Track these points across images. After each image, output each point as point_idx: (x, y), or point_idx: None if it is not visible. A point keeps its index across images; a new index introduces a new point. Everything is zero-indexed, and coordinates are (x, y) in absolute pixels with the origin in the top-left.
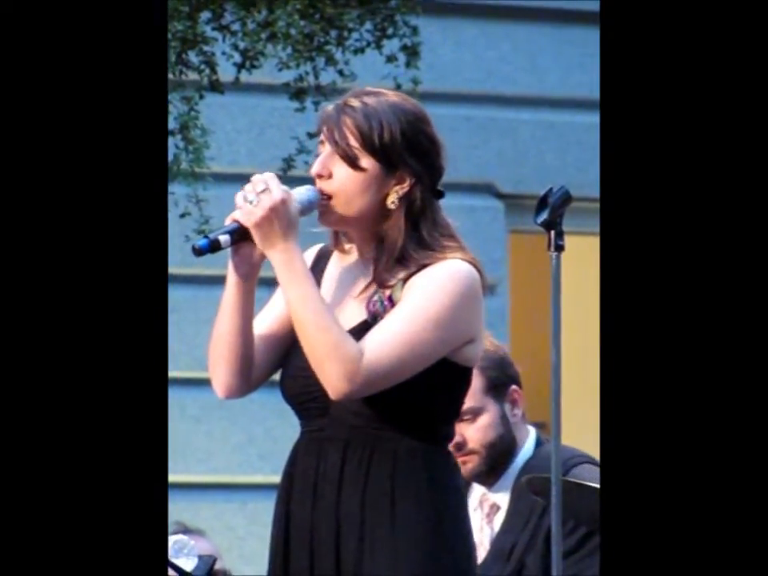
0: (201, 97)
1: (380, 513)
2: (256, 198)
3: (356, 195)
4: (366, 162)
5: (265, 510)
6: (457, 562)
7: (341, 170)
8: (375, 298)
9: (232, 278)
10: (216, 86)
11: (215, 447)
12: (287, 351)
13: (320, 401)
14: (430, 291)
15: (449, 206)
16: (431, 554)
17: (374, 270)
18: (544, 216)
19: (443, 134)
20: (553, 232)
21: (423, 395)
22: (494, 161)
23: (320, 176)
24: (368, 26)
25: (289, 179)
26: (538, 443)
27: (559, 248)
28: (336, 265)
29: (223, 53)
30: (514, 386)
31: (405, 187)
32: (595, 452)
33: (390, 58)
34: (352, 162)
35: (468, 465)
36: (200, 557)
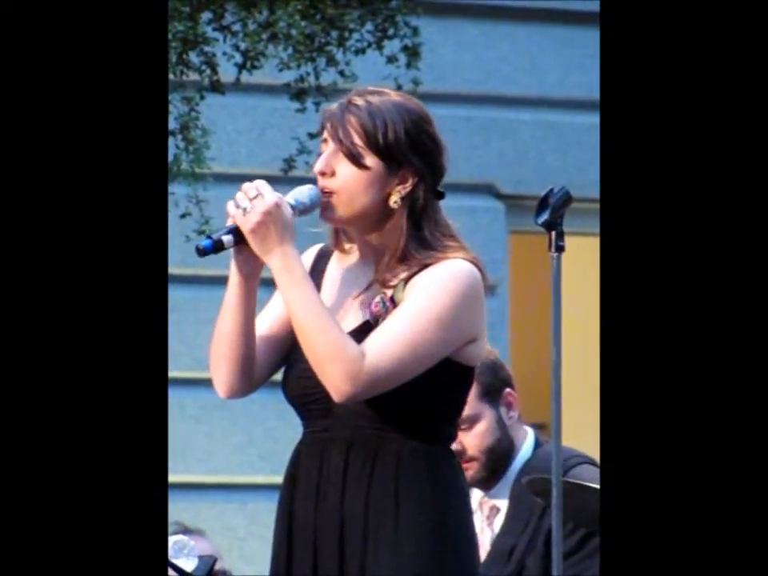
0: (201, 97)
1: (384, 513)
2: (249, 205)
3: (359, 193)
4: (370, 160)
5: (265, 510)
6: (461, 562)
7: (344, 168)
8: (377, 299)
9: (234, 278)
10: (217, 87)
11: (215, 447)
12: (289, 351)
13: (322, 402)
14: (432, 291)
15: (449, 207)
16: (435, 554)
17: (376, 269)
18: (544, 217)
19: (444, 134)
20: (553, 233)
21: (426, 395)
22: (495, 161)
23: (323, 174)
24: (369, 26)
25: (289, 180)
26: (537, 444)
27: (560, 249)
28: (336, 265)
29: (224, 53)
30: (507, 389)
31: (407, 187)
32: (596, 452)
33: (391, 59)
34: (356, 160)
35: (468, 471)
36: (200, 557)
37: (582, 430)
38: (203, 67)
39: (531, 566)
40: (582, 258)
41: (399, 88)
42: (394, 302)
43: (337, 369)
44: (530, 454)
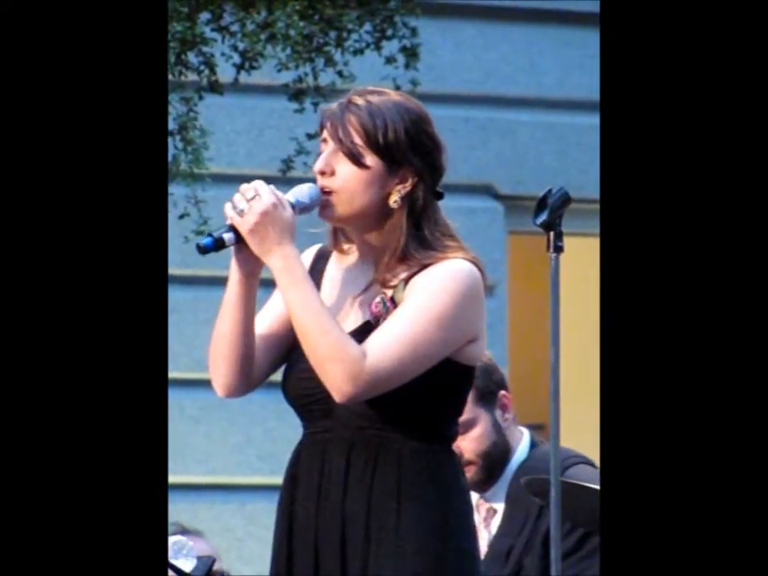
0: (200, 97)
1: (385, 514)
2: (247, 206)
3: (359, 193)
4: (370, 159)
5: (263, 510)
6: (462, 562)
7: (344, 168)
8: (377, 299)
9: (235, 276)
10: (215, 87)
11: (214, 448)
12: (288, 351)
13: (323, 402)
14: (433, 291)
15: (448, 208)
16: (437, 554)
17: (376, 269)
18: (543, 217)
19: (442, 134)
20: (552, 233)
21: (427, 396)
22: (493, 162)
23: (323, 173)
24: (367, 27)
25: (288, 180)
26: (532, 445)
27: (558, 249)
28: (335, 265)
29: (222, 54)
30: (502, 392)
31: (407, 186)
32: (594, 453)
33: (389, 59)
34: (356, 159)
35: (466, 475)
36: (199, 558)
37: (580, 431)
38: (201, 67)
39: (529, 567)
40: (581, 259)
41: (398, 88)
42: (394, 302)
43: (338, 369)
44: (525, 455)
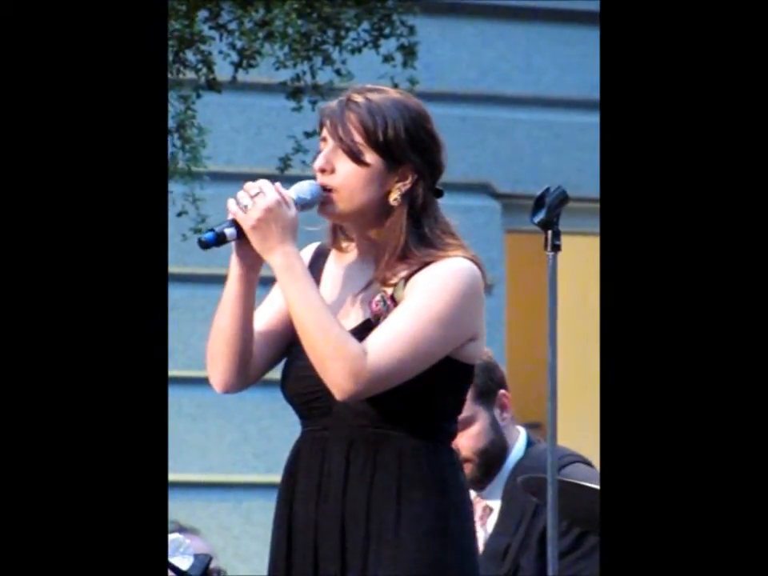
0: (198, 96)
1: (385, 511)
2: (251, 202)
3: (359, 190)
4: (370, 157)
5: (260, 508)
6: (462, 559)
7: (344, 165)
8: (378, 297)
9: (235, 272)
10: (213, 85)
11: (210, 446)
12: (286, 348)
13: (323, 400)
14: (433, 289)
15: (445, 206)
16: (437, 551)
17: (376, 267)
18: (541, 216)
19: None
20: (549, 232)
21: (427, 394)
22: (491, 160)
23: (323, 171)
24: (365, 25)
25: (285, 178)
26: (529, 443)
27: (556, 248)
28: (335, 263)
29: (220, 52)
30: (502, 391)
31: (407, 184)
32: (591, 451)
33: (387, 58)
34: (356, 157)
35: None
36: (195, 556)
37: (577, 430)
38: (199, 66)
39: (526, 566)
40: (579, 258)
41: (396, 87)
42: (394, 301)
43: (339, 367)
44: (522, 454)
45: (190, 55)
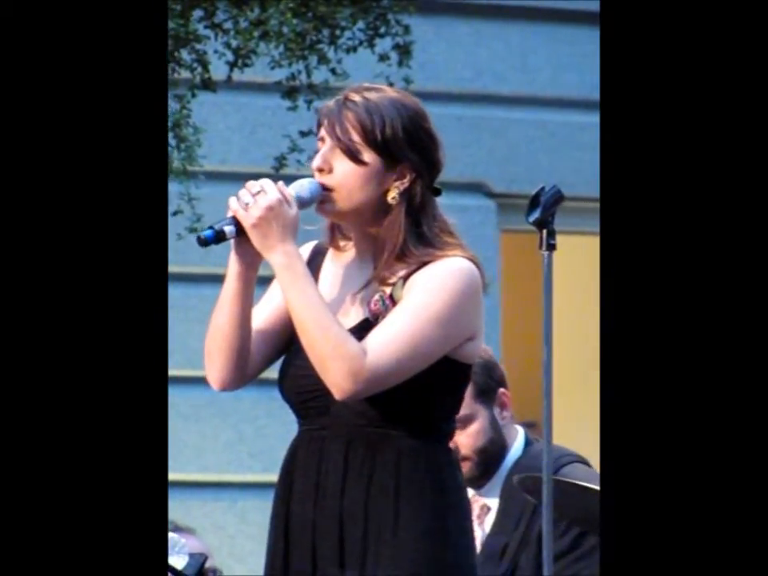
0: (193, 95)
1: (383, 510)
2: (252, 200)
3: (357, 189)
4: (368, 156)
5: (255, 508)
6: (459, 559)
7: (342, 165)
8: (376, 296)
9: (234, 268)
10: (208, 85)
11: (206, 445)
12: (284, 346)
13: (321, 400)
14: (432, 289)
15: (440, 206)
16: (435, 551)
17: (375, 267)
18: (536, 215)
19: None
20: (545, 231)
21: (425, 393)
22: (486, 160)
23: (321, 170)
24: (360, 24)
25: (281, 177)
26: (527, 443)
27: (551, 247)
28: (332, 262)
29: (215, 51)
30: (502, 389)
31: (405, 183)
32: (587, 450)
33: (383, 57)
34: (354, 156)
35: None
36: (191, 555)
37: (572, 429)
38: (194, 65)
39: (524, 566)
40: (574, 257)
41: (391, 86)
42: (393, 300)
43: (338, 366)
44: (520, 453)
45: (185, 54)
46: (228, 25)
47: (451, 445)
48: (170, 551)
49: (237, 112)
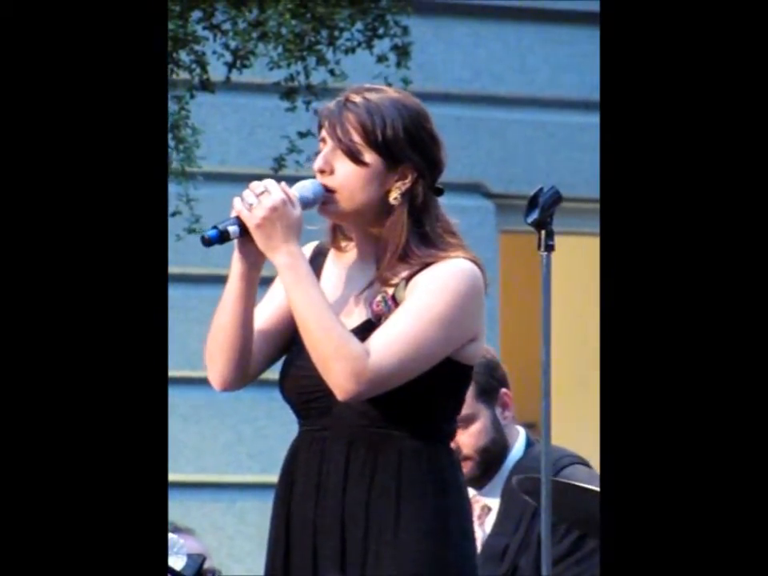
0: (191, 96)
1: (385, 511)
2: (256, 200)
3: (358, 190)
4: (369, 157)
5: (254, 509)
6: (461, 560)
7: (343, 166)
8: (378, 297)
9: (237, 269)
10: (207, 86)
11: (204, 446)
12: (285, 346)
13: (322, 400)
14: (435, 290)
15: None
16: (436, 551)
17: (377, 267)
18: (534, 216)
19: None
20: (543, 232)
21: (426, 394)
22: (484, 161)
23: (322, 171)
24: (359, 25)
25: (279, 179)
26: (528, 443)
27: (549, 248)
28: (334, 263)
29: (214, 52)
30: (503, 389)
31: (407, 183)
32: (586, 451)
33: (381, 58)
34: (355, 157)
35: (463, 470)
36: (189, 555)
37: (571, 430)
38: (193, 66)
39: (525, 567)
40: (572, 257)
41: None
42: (395, 301)
43: (341, 367)
44: (521, 453)
45: (183, 55)
46: (227, 26)
47: (453, 445)
48: (168, 552)
49: (235, 113)
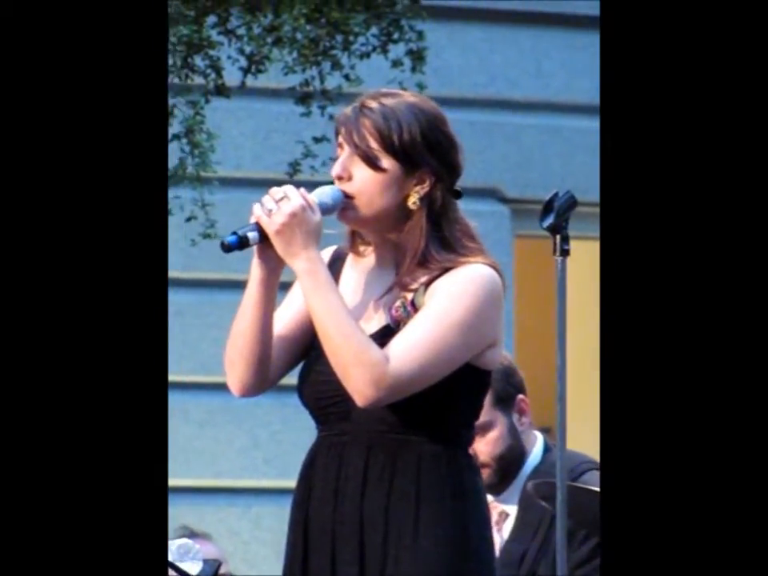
0: (206, 101)
1: (404, 517)
2: (275, 206)
3: (377, 196)
4: (387, 162)
5: (269, 514)
6: (479, 564)
7: (361, 172)
8: (398, 303)
9: (256, 274)
10: (222, 91)
11: (220, 451)
12: (304, 351)
13: (341, 405)
14: (454, 296)
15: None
16: (454, 556)
17: (396, 272)
18: (549, 220)
19: None
20: (558, 236)
21: (446, 400)
22: (500, 165)
23: (340, 178)
24: (374, 30)
25: (294, 183)
26: (546, 449)
27: (565, 252)
28: (353, 268)
29: (229, 57)
30: (520, 396)
31: (425, 187)
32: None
33: (396, 63)
34: (372, 162)
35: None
36: (205, 561)
37: (586, 434)
38: (208, 71)
39: (543, 574)
40: (588, 262)
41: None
42: (415, 306)
43: (360, 373)
44: (539, 459)
45: (198, 60)
46: (241, 31)
47: (470, 451)
48: (183, 557)
49: (250, 118)
